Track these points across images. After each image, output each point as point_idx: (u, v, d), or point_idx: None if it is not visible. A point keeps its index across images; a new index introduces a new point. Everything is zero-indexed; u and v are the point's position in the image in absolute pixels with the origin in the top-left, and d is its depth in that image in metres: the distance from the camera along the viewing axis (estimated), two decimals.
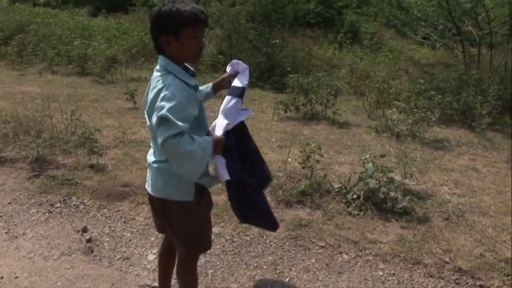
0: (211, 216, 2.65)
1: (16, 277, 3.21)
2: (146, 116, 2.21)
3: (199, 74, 10.19)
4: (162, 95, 2.02)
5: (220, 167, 2.28)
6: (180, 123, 1.96)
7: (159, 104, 2.01)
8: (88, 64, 10.78)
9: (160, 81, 2.09)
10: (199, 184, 2.31)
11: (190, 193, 2.28)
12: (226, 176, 2.29)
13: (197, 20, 2.12)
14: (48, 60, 11.18)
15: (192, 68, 2.32)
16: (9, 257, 3.44)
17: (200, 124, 2.24)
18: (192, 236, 2.42)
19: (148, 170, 2.39)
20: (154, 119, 2.00)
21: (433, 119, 6.94)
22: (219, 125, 2.31)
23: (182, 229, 2.39)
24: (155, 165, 2.28)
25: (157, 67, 2.19)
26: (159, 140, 1.99)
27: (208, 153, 2.13)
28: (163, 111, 1.96)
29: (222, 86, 2.66)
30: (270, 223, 2.68)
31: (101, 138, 5.72)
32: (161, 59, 2.18)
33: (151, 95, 2.11)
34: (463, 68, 9.08)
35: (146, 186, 2.42)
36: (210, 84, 2.69)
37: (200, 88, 2.60)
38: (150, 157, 2.34)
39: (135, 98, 7.69)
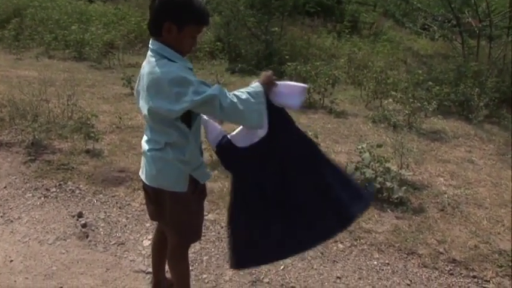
0: (207, 203, 2.64)
1: (11, 261, 3.21)
2: (139, 105, 2.19)
3: (197, 60, 10.15)
4: (168, 80, 1.96)
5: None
6: (212, 90, 1.97)
7: (174, 90, 1.95)
8: (85, 49, 10.71)
9: (158, 65, 2.02)
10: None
11: (183, 184, 2.24)
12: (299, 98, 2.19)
13: (205, 23, 2.12)
14: (45, 44, 11.09)
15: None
16: (4, 241, 3.43)
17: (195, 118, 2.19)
18: (184, 227, 2.41)
19: (143, 157, 2.36)
20: (180, 106, 1.96)
21: (431, 110, 6.93)
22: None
23: (174, 219, 2.37)
24: (149, 153, 2.24)
25: (150, 52, 2.12)
26: (219, 116, 2.06)
27: (261, 95, 2.10)
28: (190, 99, 1.94)
29: None
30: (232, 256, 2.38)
31: (98, 123, 5.70)
32: (153, 44, 2.11)
33: (146, 81, 2.05)
34: (462, 60, 9.06)
35: (140, 173, 2.38)
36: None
37: None
38: (145, 145, 2.28)
39: (132, 84, 7.63)
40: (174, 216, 2.35)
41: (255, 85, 2.13)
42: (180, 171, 2.20)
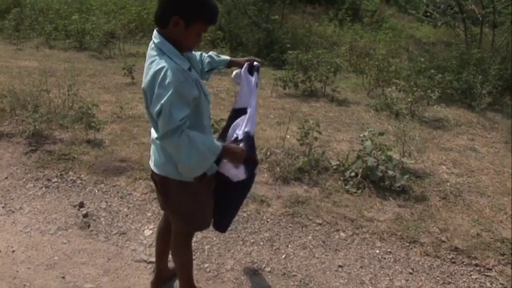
0: None
1: (13, 251, 3.21)
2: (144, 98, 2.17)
3: (198, 49, 10.07)
4: (158, 80, 1.96)
5: (231, 170, 2.34)
6: (178, 119, 1.94)
7: (156, 91, 1.96)
8: (86, 39, 10.67)
9: (155, 63, 2.01)
10: None
11: None
12: (241, 175, 2.36)
13: (213, 22, 2.10)
14: (46, 34, 11.06)
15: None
16: (6, 231, 3.44)
17: (196, 107, 2.14)
18: (190, 215, 2.41)
19: (152, 145, 2.37)
20: (154, 108, 1.98)
21: (433, 97, 6.90)
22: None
23: (180, 207, 2.37)
24: (158, 141, 2.22)
25: (152, 45, 2.10)
26: (159, 133, 2.02)
27: (209, 160, 2.11)
28: (162, 102, 1.93)
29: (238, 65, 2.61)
30: (222, 221, 2.75)
31: (98, 113, 5.67)
32: (156, 36, 2.09)
33: (147, 78, 2.03)
34: (464, 47, 9.00)
35: (150, 162, 2.39)
36: (228, 58, 2.60)
37: (216, 58, 2.55)
38: (154, 133, 2.29)
39: (132, 73, 7.62)
40: (181, 204, 2.35)
41: (218, 148, 2.12)
42: None
